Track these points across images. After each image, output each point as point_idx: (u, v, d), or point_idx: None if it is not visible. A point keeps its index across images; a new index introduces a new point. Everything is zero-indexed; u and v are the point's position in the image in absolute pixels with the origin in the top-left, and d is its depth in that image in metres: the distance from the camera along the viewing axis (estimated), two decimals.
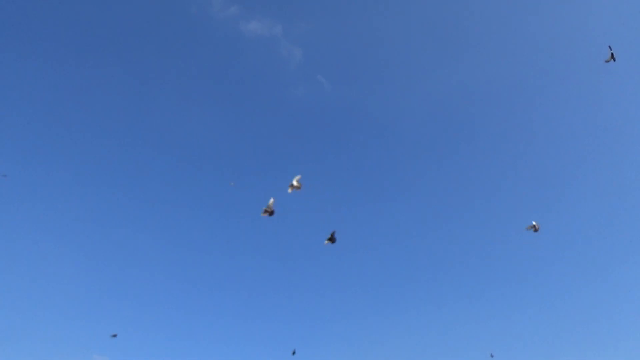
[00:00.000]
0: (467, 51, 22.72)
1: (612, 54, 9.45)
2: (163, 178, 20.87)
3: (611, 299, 18.45)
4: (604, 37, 19.58)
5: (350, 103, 23.61)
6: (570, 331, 18.15)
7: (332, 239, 8.96)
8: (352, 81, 23.72)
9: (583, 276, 19.64)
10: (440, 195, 22.34)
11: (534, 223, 9.68)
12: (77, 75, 21.04)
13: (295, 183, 8.15)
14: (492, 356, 12.37)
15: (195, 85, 22.79)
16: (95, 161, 20.23)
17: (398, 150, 23.05)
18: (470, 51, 22.54)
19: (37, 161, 19.05)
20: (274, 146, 23.18)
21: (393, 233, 21.26)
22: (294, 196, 8.01)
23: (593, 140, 21.70)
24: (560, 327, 18.31)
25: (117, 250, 18.62)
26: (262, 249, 19.92)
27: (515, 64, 22.27)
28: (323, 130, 23.49)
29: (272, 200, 8.12)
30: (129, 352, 16.82)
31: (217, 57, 22.79)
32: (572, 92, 21.64)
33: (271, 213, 8.12)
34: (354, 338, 18.41)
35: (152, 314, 17.87)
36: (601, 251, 20.04)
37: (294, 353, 11.06)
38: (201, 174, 21.58)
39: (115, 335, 11.74)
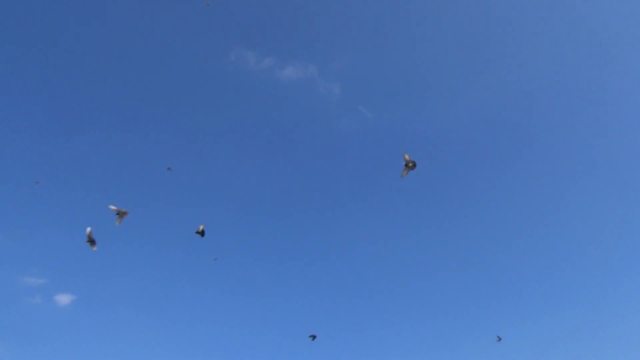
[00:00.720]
0: (503, 60, 22.65)
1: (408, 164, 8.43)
2: (222, 234, 21.26)
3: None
4: None
5: (393, 127, 23.92)
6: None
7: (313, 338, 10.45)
8: (392, 106, 24.32)
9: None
10: (496, 213, 21.33)
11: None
12: (131, 145, 21.51)
13: None
14: (499, 339, 12.28)
15: (240, 138, 23.90)
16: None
17: (447, 167, 22.60)
18: (507, 60, 22.44)
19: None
20: (324, 181, 23.23)
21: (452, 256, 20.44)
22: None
23: None
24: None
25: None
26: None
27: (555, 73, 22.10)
28: (370, 157, 23.53)
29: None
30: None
31: (258, 108, 24.22)
32: None
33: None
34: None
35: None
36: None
37: (313, 338, 10.66)
38: (257, 224, 21.50)
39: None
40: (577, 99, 22.13)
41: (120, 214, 8.61)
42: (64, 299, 16.77)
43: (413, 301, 18.83)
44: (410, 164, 8.28)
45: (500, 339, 12.35)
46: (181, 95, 23.50)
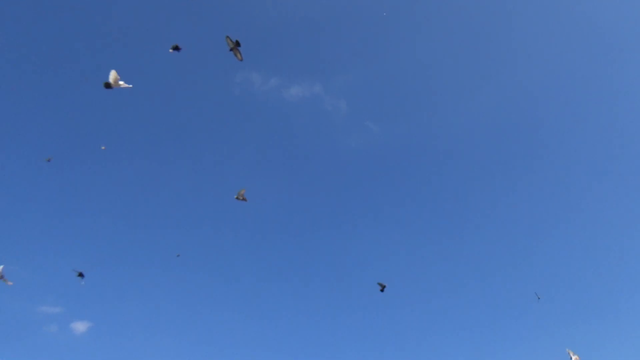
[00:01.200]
0: (507, 67, 22.66)
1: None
2: (235, 254, 21.29)
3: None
4: None
5: (400, 140, 24.31)
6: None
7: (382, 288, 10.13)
8: (398, 119, 24.67)
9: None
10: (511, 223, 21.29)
11: None
12: (140, 170, 21.76)
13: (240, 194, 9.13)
14: (538, 297, 12.09)
15: (249, 159, 24.20)
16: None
17: (455, 176, 22.97)
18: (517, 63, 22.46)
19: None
20: (334, 197, 23.60)
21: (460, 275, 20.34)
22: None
23: None
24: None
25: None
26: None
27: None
28: (379, 171, 23.99)
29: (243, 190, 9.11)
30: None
31: (266, 128, 24.55)
32: None
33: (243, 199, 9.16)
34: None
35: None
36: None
37: (383, 288, 10.38)
38: (268, 242, 21.95)
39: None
40: (583, 103, 21.75)
41: (240, 197, 9.40)
42: (80, 326, 16.86)
43: (430, 315, 18.62)
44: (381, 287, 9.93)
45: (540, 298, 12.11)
46: (190, 119, 23.68)
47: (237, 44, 8.38)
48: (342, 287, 20.06)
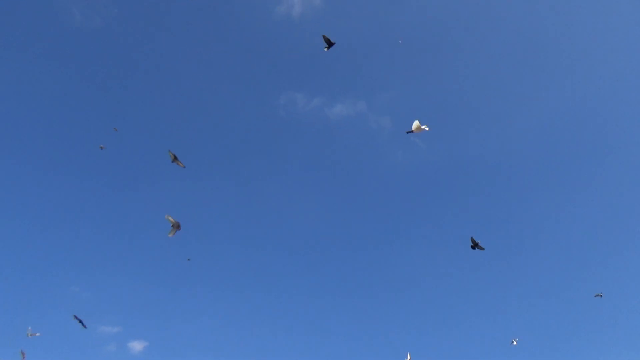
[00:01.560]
0: (554, 80, 22.17)
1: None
2: (284, 273, 21.26)
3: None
4: None
5: (447, 155, 23.56)
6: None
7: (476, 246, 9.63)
8: (445, 134, 23.39)
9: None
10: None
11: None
12: (189, 192, 21.97)
13: None
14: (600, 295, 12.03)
15: (295, 179, 24.13)
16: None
17: (505, 192, 22.33)
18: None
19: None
20: (382, 215, 23.08)
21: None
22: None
23: None
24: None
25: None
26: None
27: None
28: (427, 187, 23.58)
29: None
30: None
31: (311, 148, 24.34)
32: None
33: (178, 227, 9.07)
34: None
35: None
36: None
37: (475, 246, 9.94)
38: (316, 261, 21.68)
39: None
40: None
41: (174, 226, 9.28)
42: (137, 345, 17.25)
43: (477, 337, 17.88)
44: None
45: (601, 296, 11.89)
46: (236, 143, 23.58)
47: (175, 157, 9.37)
48: (389, 304, 19.55)
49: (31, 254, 18.85)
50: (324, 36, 9.09)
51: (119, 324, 17.81)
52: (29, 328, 10.37)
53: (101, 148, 13.83)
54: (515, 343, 11.89)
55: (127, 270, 18.97)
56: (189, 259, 15.16)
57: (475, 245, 9.81)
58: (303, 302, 20.02)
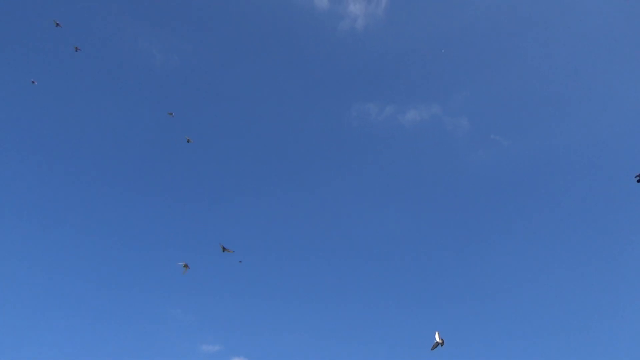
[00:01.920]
0: None
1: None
2: (371, 280, 21.99)
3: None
4: None
5: (533, 150, 22.57)
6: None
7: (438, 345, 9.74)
8: (529, 129, 22.91)
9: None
10: None
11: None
12: (282, 212, 24.40)
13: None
14: None
15: (375, 188, 24.21)
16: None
17: (603, 184, 20.79)
18: None
19: None
20: (464, 215, 22.75)
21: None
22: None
23: None
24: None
25: None
26: None
27: None
28: (513, 184, 22.62)
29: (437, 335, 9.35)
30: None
31: (387, 156, 24.48)
32: None
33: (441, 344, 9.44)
34: None
35: None
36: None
37: None
38: (400, 267, 22.09)
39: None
40: None
41: (185, 267, 10.65)
42: None
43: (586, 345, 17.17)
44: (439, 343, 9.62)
45: None
46: (313, 158, 25.55)
47: (224, 248, 10.20)
48: (475, 306, 19.47)
49: (135, 280, 21.30)
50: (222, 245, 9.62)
51: (219, 342, 19.80)
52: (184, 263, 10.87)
53: (188, 141, 15.10)
54: None
55: (223, 291, 20.77)
56: (240, 261, 16.52)
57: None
58: (390, 309, 20.57)
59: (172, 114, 15.53)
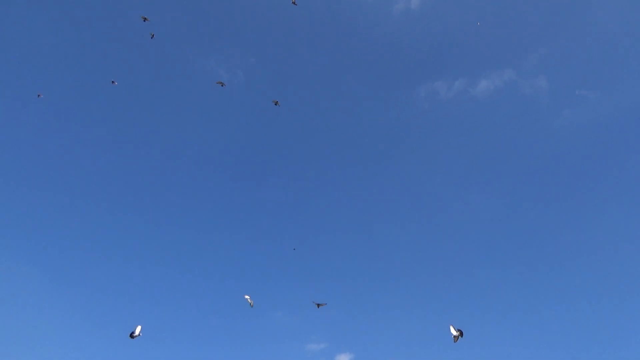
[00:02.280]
0: None
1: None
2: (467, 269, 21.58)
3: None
4: None
5: (626, 100, 20.39)
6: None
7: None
8: (615, 78, 20.90)
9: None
10: None
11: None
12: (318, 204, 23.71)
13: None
14: None
15: (452, 168, 23.16)
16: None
17: None
18: None
19: None
20: (551, 186, 21.42)
21: None
22: None
23: None
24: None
25: None
26: None
27: None
28: (606, 141, 20.95)
29: None
30: None
31: (466, 133, 22.98)
32: None
33: None
34: None
35: None
36: None
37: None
38: (491, 247, 21.43)
39: None
40: None
41: (251, 302, 10.72)
42: (344, 358, 19.38)
43: None
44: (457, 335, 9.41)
45: None
46: (389, 149, 24.25)
47: (252, 303, 10.08)
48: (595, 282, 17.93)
49: (230, 287, 21.82)
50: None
51: (324, 340, 20.08)
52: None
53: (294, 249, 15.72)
54: None
55: (321, 289, 20.88)
56: (294, 249, 17.47)
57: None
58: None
59: (223, 83, 15.93)
